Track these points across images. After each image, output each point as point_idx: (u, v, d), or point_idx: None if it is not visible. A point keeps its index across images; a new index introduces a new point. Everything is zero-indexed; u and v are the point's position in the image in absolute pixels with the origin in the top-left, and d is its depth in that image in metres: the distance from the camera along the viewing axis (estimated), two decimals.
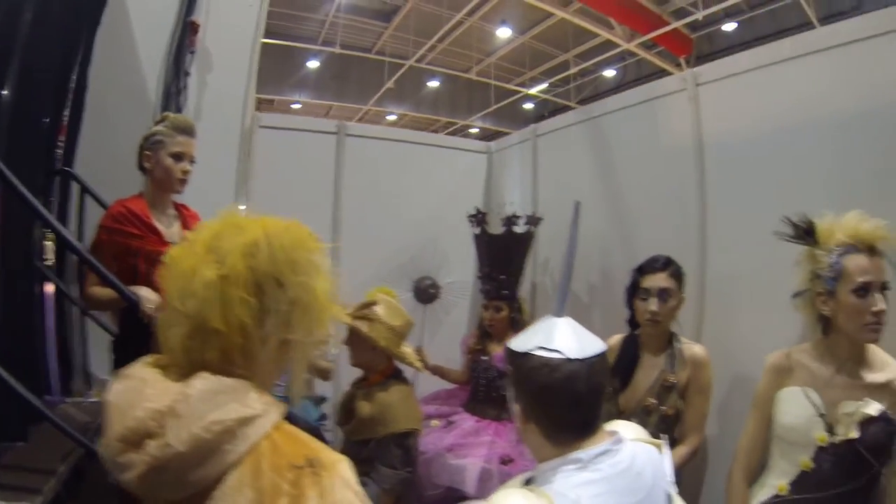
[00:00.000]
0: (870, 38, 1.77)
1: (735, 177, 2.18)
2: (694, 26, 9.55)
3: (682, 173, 2.32)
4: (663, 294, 2.00)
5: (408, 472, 2.14)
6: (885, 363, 1.63)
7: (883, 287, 1.55)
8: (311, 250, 0.96)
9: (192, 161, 2.00)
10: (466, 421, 2.82)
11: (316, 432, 2.03)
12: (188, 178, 2.00)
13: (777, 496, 1.68)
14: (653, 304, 1.99)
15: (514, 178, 3.48)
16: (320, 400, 2.90)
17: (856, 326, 1.57)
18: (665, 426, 2.01)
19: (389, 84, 11.67)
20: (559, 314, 1.11)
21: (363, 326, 2.18)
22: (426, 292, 3.05)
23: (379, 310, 2.23)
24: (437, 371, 2.95)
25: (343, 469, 0.91)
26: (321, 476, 0.88)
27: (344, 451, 2.30)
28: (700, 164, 2.28)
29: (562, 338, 1.07)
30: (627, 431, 1.15)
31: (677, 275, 2.04)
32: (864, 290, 1.55)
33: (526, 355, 1.07)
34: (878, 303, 1.53)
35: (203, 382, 0.86)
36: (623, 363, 2.15)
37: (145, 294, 1.78)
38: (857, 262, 1.56)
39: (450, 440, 2.67)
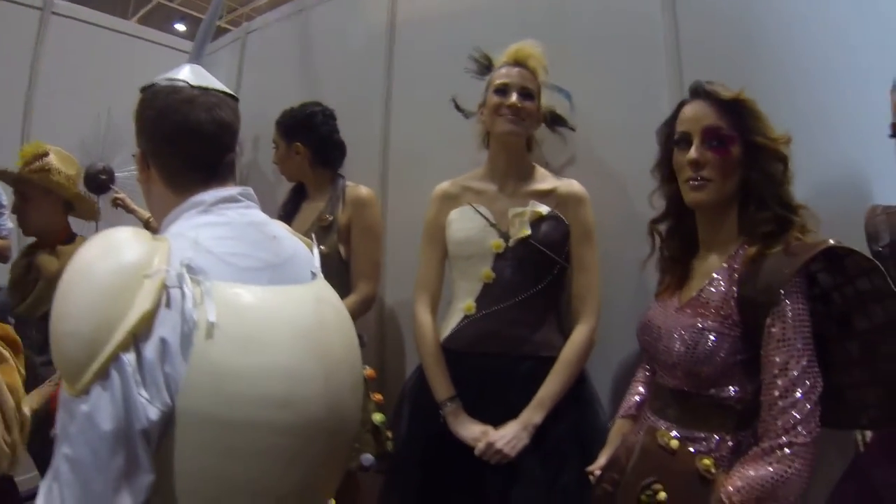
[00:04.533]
0: None
1: (421, 59, 2.34)
2: None
3: (375, 59, 2.46)
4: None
5: None
6: (546, 176, 1.76)
7: (524, 91, 1.68)
8: None
9: None
10: None
11: None
12: None
13: (466, 317, 1.69)
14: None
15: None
16: None
17: (494, 119, 1.69)
18: (327, 268, 1.95)
19: (134, 20, 10.68)
20: (192, 61, 1.09)
21: (43, 178, 2.00)
22: (96, 179, 2.72)
23: (52, 160, 2.04)
24: None
25: None
26: None
27: (28, 342, 1.76)
28: (389, 49, 2.44)
29: (188, 73, 1.01)
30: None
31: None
32: (502, 91, 1.68)
33: (150, 87, 1.01)
34: (511, 98, 1.66)
35: None
36: (286, 206, 2.22)
37: None
38: (501, 71, 1.72)
39: None
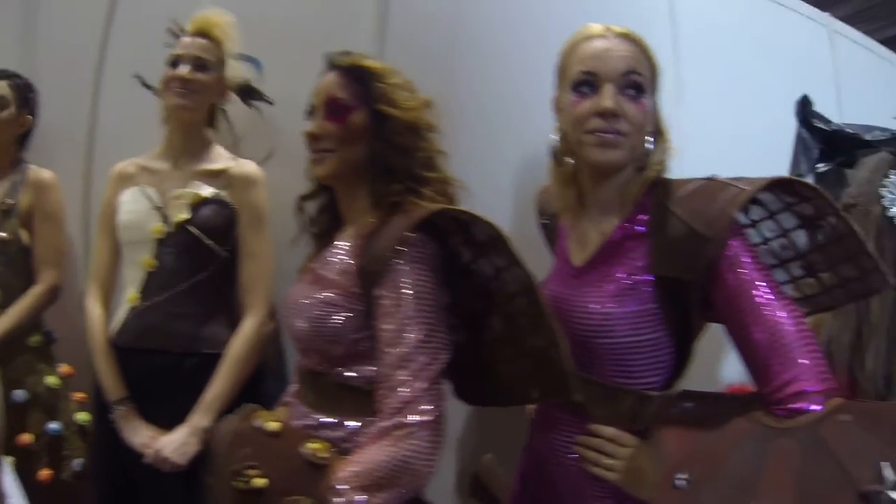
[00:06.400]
0: None
1: (141, 37, 2.11)
2: None
3: (91, 32, 2.25)
4: None
5: None
6: (223, 155, 1.71)
7: (197, 62, 1.63)
8: None
9: None
10: None
11: None
12: None
13: (132, 309, 1.62)
14: None
15: None
16: None
17: (164, 93, 1.65)
18: (7, 255, 1.88)
19: None
20: None
21: None
22: None
23: None
24: None
25: None
26: None
27: None
28: (108, 21, 2.24)
29: None
30: None
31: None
32: (174, 63, 1.64)
33: None
34: (181, 70, 1.62)
35: None
36: None
37: None
38: (180, 42, 1.68)
39: None
